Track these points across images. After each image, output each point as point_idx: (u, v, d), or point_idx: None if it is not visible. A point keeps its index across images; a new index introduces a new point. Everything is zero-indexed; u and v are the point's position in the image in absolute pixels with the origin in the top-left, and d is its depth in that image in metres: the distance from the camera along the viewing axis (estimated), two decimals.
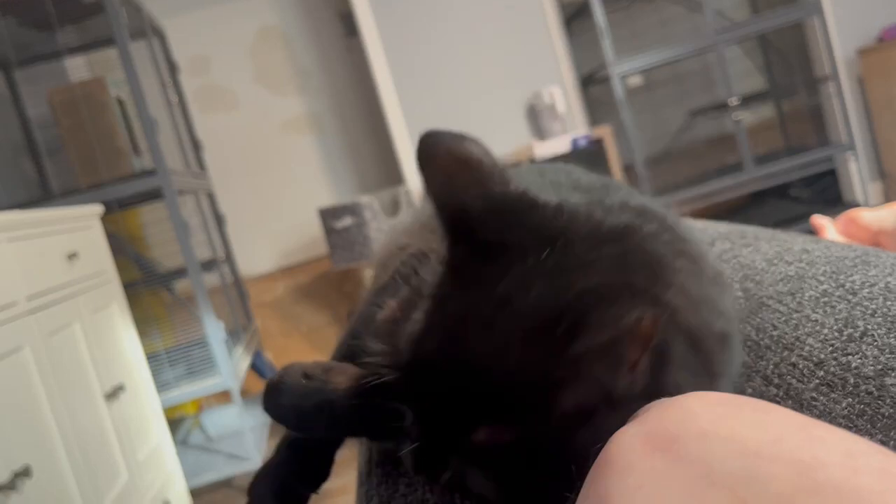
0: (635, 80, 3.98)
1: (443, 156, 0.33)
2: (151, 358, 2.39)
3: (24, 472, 1.44)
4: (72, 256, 1.97)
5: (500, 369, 0.30)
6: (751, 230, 0.68)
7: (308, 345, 3.40)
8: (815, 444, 0.22)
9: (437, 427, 0.33)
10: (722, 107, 3.51)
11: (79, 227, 2.11)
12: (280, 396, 0.46)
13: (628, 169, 3.52)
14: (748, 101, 3.64)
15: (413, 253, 0.49)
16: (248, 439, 2.45)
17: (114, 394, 1.97)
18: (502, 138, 3.70)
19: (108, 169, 2.48)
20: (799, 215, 3.46)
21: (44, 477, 1.53)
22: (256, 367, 3.12)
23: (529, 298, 0.30)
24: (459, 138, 0.33)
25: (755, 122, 3.96)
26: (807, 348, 0.39)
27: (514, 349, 0.30)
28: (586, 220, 0.33)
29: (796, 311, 0.43)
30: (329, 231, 3.47)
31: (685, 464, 0.23)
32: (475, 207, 0.33)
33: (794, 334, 0.41)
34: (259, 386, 3.33)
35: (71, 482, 1.65)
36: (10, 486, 1.39)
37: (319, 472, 0.49)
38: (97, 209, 2.21)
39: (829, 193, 3.82)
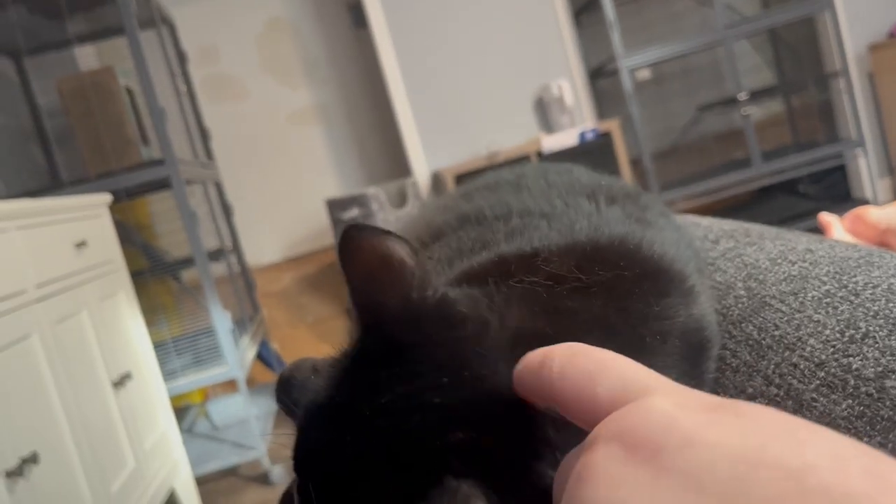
0: (644, 74, 3.97)
1: (366, 251, 0.32)
2: (158, 346, 2.41)
3: (32, 459, 1.46)
4: (80, 245, 1.98)
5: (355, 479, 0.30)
6: (756, 228, 0.68)
7: (314, 335, 3.41)
8: (803, 447, 0.22)
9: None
10: (731, 101, 3.50)
11: (87, 215, 2.12)
12: (290, 391, 0.48)
13: (635, 163, 3.52)
14: (757, 96, 3.62)
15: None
16: (254, 428, 2.46)
17: (121, 382, 1.98)
18: (510, 131, 3.69)
19: (117, 158, 2.49)
20: (807, 211, 3.44)
21: (51, 463, 1.54)
22: (262, 357, 3.14)
23: (404, 424, 0.30)
24: (385, 235, 0.33)
25: (764, 117, 3.94)
26: (808, 349, 0.39)
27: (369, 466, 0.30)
28: (494, 335, 0.33)
29: (798, 312, 0.43)
30: (336, 222, 3.47)
31: (672, 474, 0.22)
32: (391, 309, 0.32)
33: (796, 334, 0.41)
34: (265, 376, 3.34)
35: (78, 469, 1.66)
36: (18, 471, 1.40)
37: None
38: (106, 198, 2.22)
39: (837, 190, 3.81)
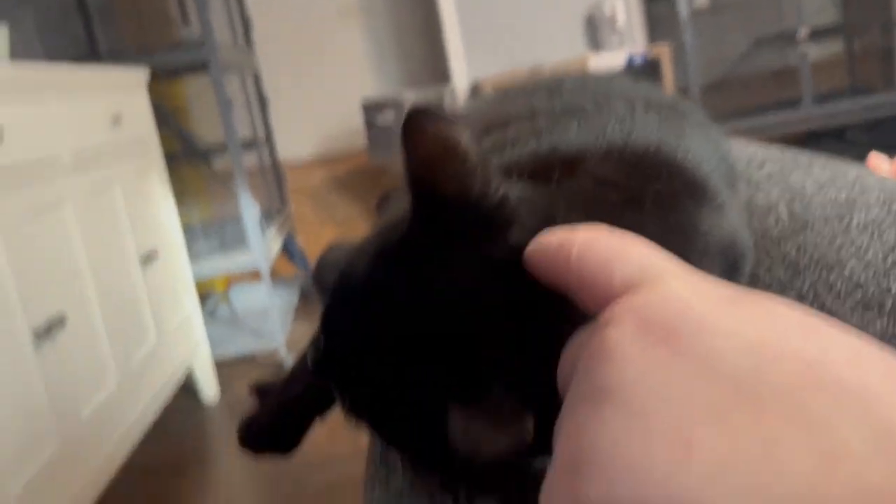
0: (702, 1, 3.80)
1: (430, 136, 0.31)
2: (186, 229, 2.44)
3: (59, 322, 1.51)
4: (117, 119, 1.98)
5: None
6: (805, 156, 0.66)
7: (341, 234, 3.45)
8: (822, 342, 0.21)
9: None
10: (789, 37, 3.36)
11: (125, 89, 2.11)
12: (325, 273, 0.48)
13: (682, 92, 3.42)
14: (818, 34, 3.47)
15: None
16: (274, 318, 2.51)
17: (148, 259, 2.02)
18: (557, 47, 3.58)
19: (156, 36, 2.47)
20: (854, 160, 3.34)
21: (77, 328, 1.59)
22: (287, 251, 3.17)
23: (449, 321, 0.30)
24: (451, 123, 0.31)
25: (821, 57, 3.78)
26: (847, 270, 0.38)
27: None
28: None
29: (842, 235, 0.42)
30: (370, 125, 3.45)
31: (687, 358, 0.22)
32: (449, 200, 0.31)
33: (837, 256, 0.40)
34: (288, 269, 3.39)
35: (103, 337, 1.71)
36: (46, 332, 1.45)
37: (327, 397, 0.50)
38: (143, 74, 2.21)
39: (888, 141, 3.69)
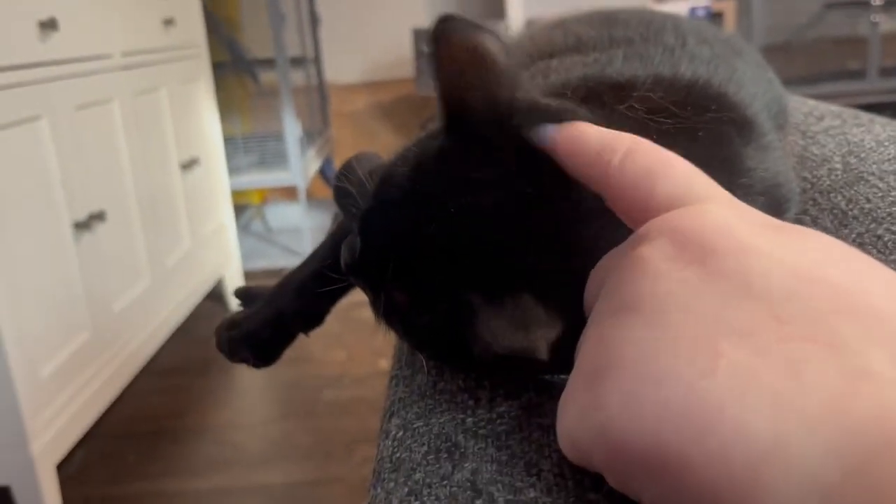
0: None
1: (457, 45, 0.30)
2: (228, 141, 2.45)
3: (99, 216, 1.54)
4: (168, 22, 1.98)
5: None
6: (866, 114, 0.64)
7: None
8: (858, 272, 0.21)
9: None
10: (863, 4, 3.22)
11: None
12: (347, 178, 0.48)
13: None
14: (892, 4, 3.32)
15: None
16: (306, 237, 2.54)
17: (189, 165, 2.04)
18: None
19: None
20: None
21: (116, 224, 1.63)
22: (324, 174, 3.19)
23: (487, 230, 0.30)
24: (478, 30, 0.30)
25: (893, 29, 3.63)
26: None
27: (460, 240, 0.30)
28: None
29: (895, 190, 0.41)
30: (419, 54, 3.40)
31: (721, 277, 0.22)
32: (478, 108, 0.31)
33: (888, 210, 0.39)
34: (324, 191, 3.41)
35: (139, 235, 1.75)
36: (86, 225, 1.49)
37: (315, 315, 0.50)
38: None
39: None
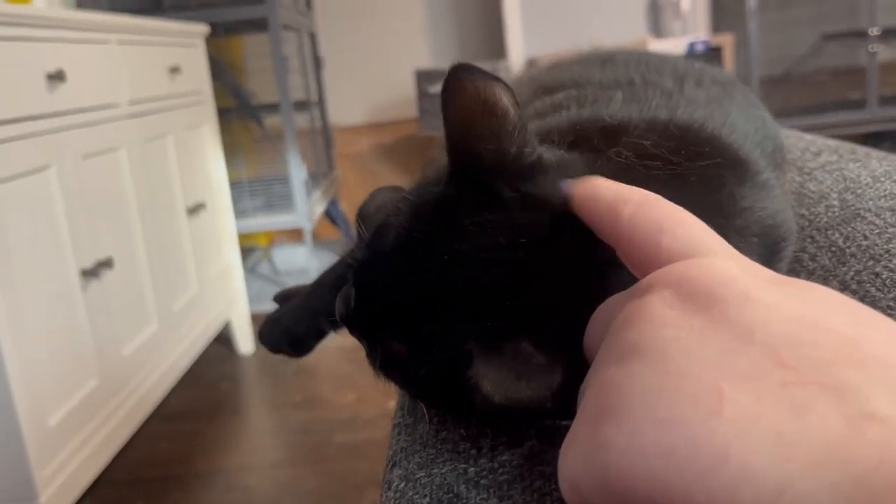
0: None
1: (470, 93, 0.30)
2: (233, 185, 2.47)
3: (107, 263, 1.55)
4: (174, 70, 2.01)
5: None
6: (863, 149, 0.64)
7: None
8: (860, 321, 0.22)
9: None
10: (859, 35, 3.25)
11: (184, 42, 2.14)
12: (367, 216, 0.52)
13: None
14: (890, 34, 3.35)
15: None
16: (313, 279, 2.54)
17: (195, 210, 2.06)
18: (617, 29, 3.52)
19: None
20: None
21: (123, 270, 1.64)
22: (330, 215, 3.20)
23: (481, 277, 0.30)
24: (492, 81, 0.30)
25: (891, 58, 3.66)
26: (895, 261, 0.38)
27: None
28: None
29: (893, 227, 0.41)
30: (422, 95, 3.44)
31: (725, 324, 0.22)
32: (486, 158, 0.31)
33: (885, 247, 0.40)
34: (330, 233, 3.43)
35: (147, 280, 1.76)
36: (93, 272, 1.50)
37: None
38: (203, 28, 2.24)
39: None
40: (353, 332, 0.35)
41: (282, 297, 0.57)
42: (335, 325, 0.50)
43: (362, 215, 0.50)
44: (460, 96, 0.31)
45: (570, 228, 0.30)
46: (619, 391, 0.23)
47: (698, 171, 0.35)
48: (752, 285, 0.23)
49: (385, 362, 0.33)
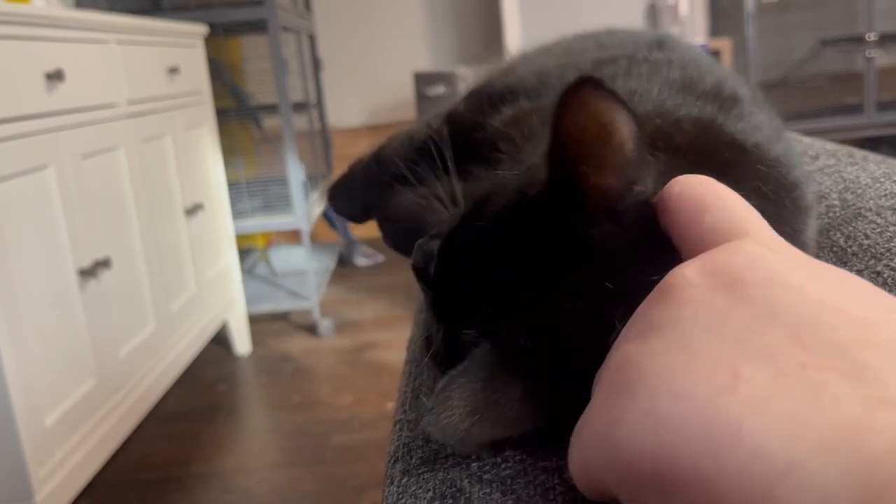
0: None
1: (590, 113, 0.27)
2: (232, 186, 2.47)
3: (105, 263, 1.55)
4: (173, 71, 2.01)
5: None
6: (860, 152, 0.64)
7: None
8: (884, 307, 0.22)
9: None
10: (857, 40, 3.26)
11: (183, 43, 2.14)
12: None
13: None
14: (887, 40, 3.36)
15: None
16: (311, 280, 2.55)
17: (193, 210, 2.06)
18: None
19: None
20: None
21: (121, 270, 1.63)
22: (328, 217, 3.20)
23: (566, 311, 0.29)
24: (617, 105, 0.27)
25: (888, 64, 3.67)
26: None
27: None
28: None
29: (894, 225, 0.41)
30: (420, 97, 3.44)
31: (747, 303, 0.22)
32: (588, 186, 0.28)
33: (887, 245, 0.40)
34: (327, 234, 3.42)
35: (144, 280, 1.76)
36: (91, 272, 1.49)
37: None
38: (203, 29, 2.24)
39: None
40: (423, 287, 0.35)
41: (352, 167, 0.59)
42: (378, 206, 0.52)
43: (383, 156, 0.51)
44: (578, 113, 0.27)
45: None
46: (636, 367, 0.23)
47: (757, 189, 0.34)
48: (779, 268, 0.23)
49: (438, 307, 0.33)
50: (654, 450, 0.21)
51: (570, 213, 0.29)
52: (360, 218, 0.56)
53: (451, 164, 0.38)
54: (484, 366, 0.30)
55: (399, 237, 0.50)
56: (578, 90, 0.27)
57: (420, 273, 0.34)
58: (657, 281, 0.25)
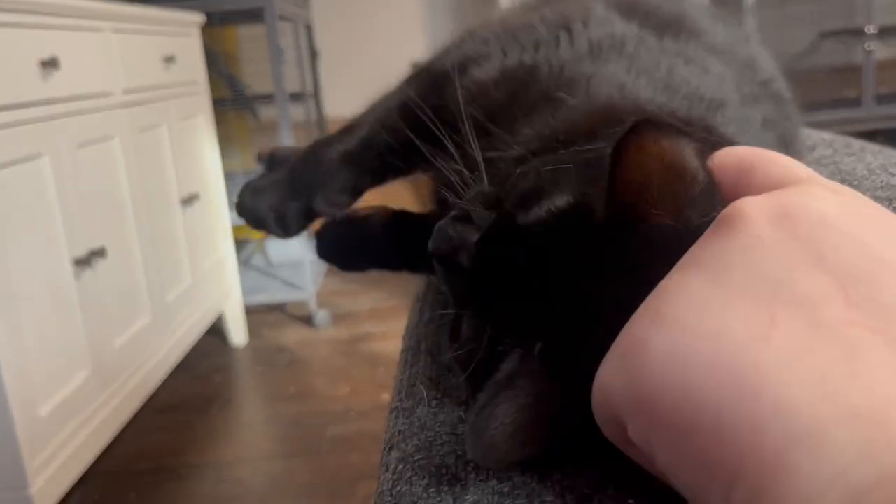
0: None
1: (653, 154, 0.26)
2: (228, 176, 2.46)
3: (100, 252, 1.54)
4: (169, 60, 2.00)
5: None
6: (857, 142, 0.64)
7: (377, 195, 3.45)
8: None
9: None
10: (856, 33, 3.26)
11: (179, 32, 2.13)
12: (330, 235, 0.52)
13: None
14: (886, 32, 3.36)
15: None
16: (307, 272, 2.54)
17: (189, 200, 2.05)
18: None
19: None
20: None
21: (116, 260, 1.63)
22: None
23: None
24: (680, 140, 0.26)
25: (887, 57, 3.67)
26: None
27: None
28: None
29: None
30: None
31: (797, 242, 0.21)
32: (663, 224, 0.26)
33: None
34: None
35: (140, 270, 1.75)
36: (86, 262, 1.49)
37: (356, 190, 0.50)
38: (199, 18, 2.23)
39: None
40: (440, 270, 0.32)
41: (269, 161, 0.53)
42: (337, 209, 0.48)
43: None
44: (639, 154, 0.26)
45: None
46: (669, 296, 0.22)
47: None
48: (835, 210, 0.22)
49: (456, 293, 0.31)
50: (679, 385, 0.20)
51: (634, 244, 0.27)
52: (276, 231, 0.52)
53: (468, 128, 0.35)
54: (532, 380, 0.28)
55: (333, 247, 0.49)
56: (638, 133, 0.26)
57: (444, 260, 0.31)
58: None
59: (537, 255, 0.29)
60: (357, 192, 0.51)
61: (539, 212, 0.29)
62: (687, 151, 0.26)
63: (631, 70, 0.40)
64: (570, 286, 0.28)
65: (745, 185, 0.25)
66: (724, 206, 0.25)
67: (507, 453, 0.27)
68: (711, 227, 0.24)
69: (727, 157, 0.27)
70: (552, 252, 0.29)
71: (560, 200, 0.29)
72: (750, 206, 0.23)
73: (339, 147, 0.49)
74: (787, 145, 0.39)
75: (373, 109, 0.52)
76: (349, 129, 0.52)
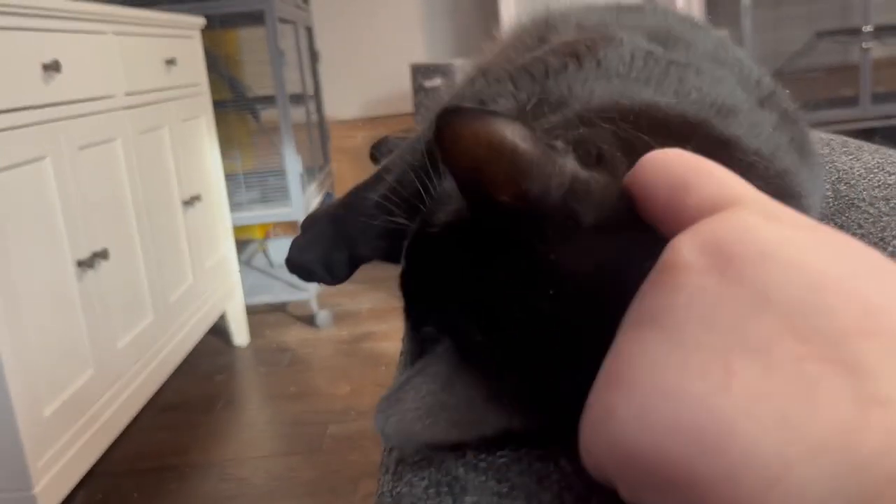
0: None
1: (469, 139, 0.26)
2: (229, 177, 2.47)
3: (102, 254, 1.55)
4: (170, 62, 2.01)
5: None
6: (855, 141, 0.65)
7: None
8: (889, 288, 0.20)
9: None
10: (853, 32, 3.26)
11: (180, 35, 2.14)
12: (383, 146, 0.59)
13: None
14: (883, 31, 3.36)
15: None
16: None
17: (191, 202, 2.06)
18: None
19: None
20: None
21: (119, 261, 1.63)
22: None
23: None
24: (490, 118, 0.26)
25: (884, 56, 3.67)
26: (889, 248, 0.38)
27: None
28: None
29: (887, 215, 0.42)
30: (417, 89, 3.43)
31: (739, 286, 0.21)
32: (508, 203, 0.27)
33: (880, 235, 0.40)
34: None
35: (142, 271, 1.76)
36: (89, 263, 1.50)
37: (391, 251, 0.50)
38: (200, 21, 2.23)
39: None
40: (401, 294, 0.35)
41: (305, 223, 0.55)
42: (378, 253, 0.50)
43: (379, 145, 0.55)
44: (458, 144, 0.27)
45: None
46: (629, 360, 0.22)
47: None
48: (774, 239, 0.21)
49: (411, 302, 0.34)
50: (649, 448, 0.21)
51: (503, 230, 0.28)
52: (327, 280, 0.52)
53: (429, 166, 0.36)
54: (445, 366, 0.29)
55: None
56: (446, 123, 0.26)
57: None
58: (647, 265, 0.24)
59: (441, 255, 0.31)
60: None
61: (439, 219, 0.32)
62: (497, 126, 0.26)
63: (639, 80, 0.40)
64: (465, 280, 0.29)
65: (678, 206, 0.24)
66: (621, 199, 0.26)
67: (420, 435, 0.28)
68: (654, 274, 0.23)
69: (658, 172, 0.26)
70: (450, 252, 0.31)
71: (450, 207, 0.32)
72: (688, 251, 0.22)
73: (373, 195, 0.51)
74: (800, 147, 0.39)
75: (401, 154, 0.54)
76: (382, 174, 0.53)
